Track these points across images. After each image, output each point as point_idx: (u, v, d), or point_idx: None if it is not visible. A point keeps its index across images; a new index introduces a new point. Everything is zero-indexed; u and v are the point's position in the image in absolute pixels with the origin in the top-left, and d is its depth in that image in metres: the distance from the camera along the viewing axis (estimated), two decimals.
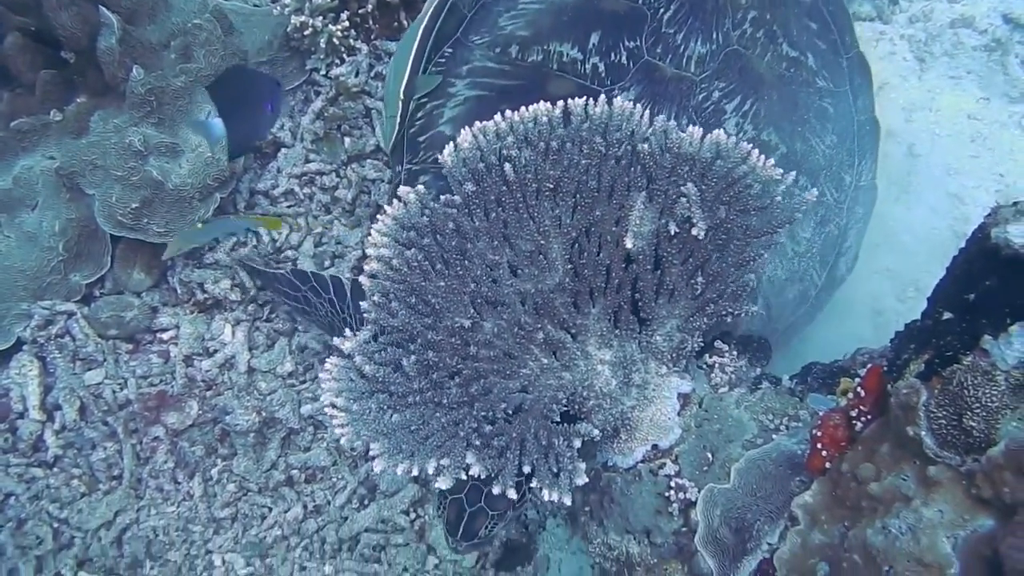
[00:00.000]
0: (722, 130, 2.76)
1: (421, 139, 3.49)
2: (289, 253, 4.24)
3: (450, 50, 3.55)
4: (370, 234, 2.73)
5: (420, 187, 2.78)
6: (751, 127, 3.37)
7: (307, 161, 4.32)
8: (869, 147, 3.67)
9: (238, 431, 3.86)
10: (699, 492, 2.67)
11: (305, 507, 4.00)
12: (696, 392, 2.94)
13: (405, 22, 4.32)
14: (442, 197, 2.76)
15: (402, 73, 3.45)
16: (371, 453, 2.53)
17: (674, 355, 2.86)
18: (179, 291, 4.18)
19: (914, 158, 4.17)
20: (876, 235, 4.00)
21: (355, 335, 2.71)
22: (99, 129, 3.96)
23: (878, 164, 3.99)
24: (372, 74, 4.31)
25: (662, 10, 3.46)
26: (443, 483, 2.51)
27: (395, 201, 2.76)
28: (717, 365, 3.00)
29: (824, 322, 4.01)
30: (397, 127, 3.49)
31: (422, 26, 3.48)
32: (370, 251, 2.71)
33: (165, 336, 4.16)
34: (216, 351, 4.13)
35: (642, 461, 2.85)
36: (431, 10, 3.51)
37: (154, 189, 3.84)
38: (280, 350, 4.13)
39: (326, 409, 2.60)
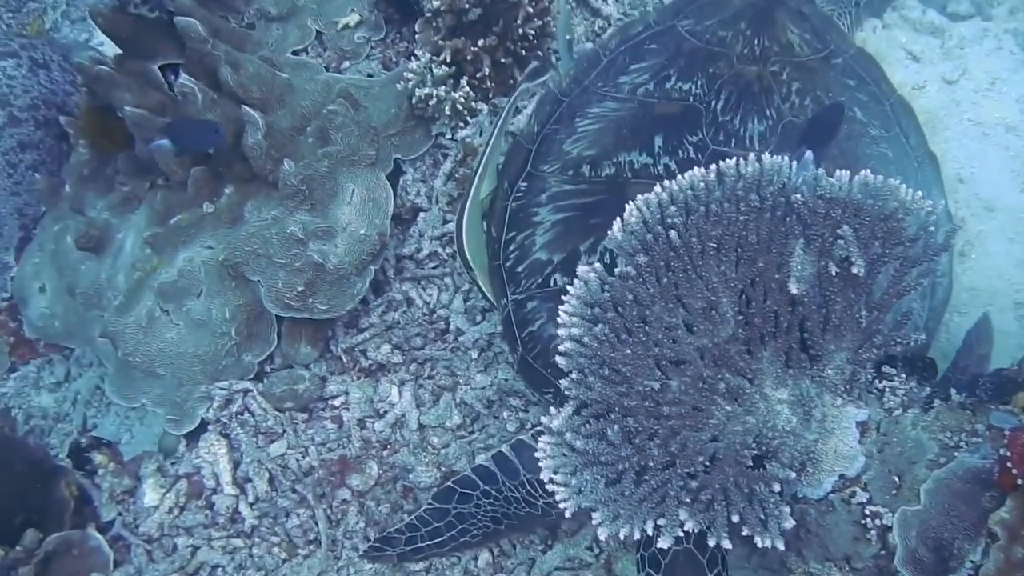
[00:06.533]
0: (868, 170, 2.91)
1: (519, 269, 3.72)
2: (442, 312, 4.43)
3: (525, 183, 3.81)
4: (559, 316, 2.92)
5: (598, 265, 2.93)
6: None
7: (445, 222, 4.47)
8: (932, 178, 3.77)
9: (422, 487, 4.04)
10: (893, 516, 2.83)
11: (491, 551, 4.10)
12: (872, 418, 3.05)
13: (519, 76, 4.50)
14: (616, 271, 2.91)
15: (461, 234, 3.78)
16: (593, 522, 2.73)
17: (847, 386, 3.00)
18: (344, 360, 4.39)
19: None
20: (1010, 229, 4.07)
21: (559, 412, 2.90)
22: (255, 219, 4.20)
23: (1009, 162, 4.08)
24: None
25: (713, 101, 3.67)
26: (664, 542, 2.69)
27: (576, 281, 2.92)
28: (888, 389, 3.10)
29: (967, 314, 4.07)
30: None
31: (473, 188, 3.82)
32: (561, 332, 2.86)
33: (336, 403, 4.36)
34: (386, 412, 4.29)
35: (832, 491, 2.98)
36: (479, 170, 3.84)
37: (316, 271, 4.07)
38: (446, 405, 4.27)
39: (548, 486, 2.80)
